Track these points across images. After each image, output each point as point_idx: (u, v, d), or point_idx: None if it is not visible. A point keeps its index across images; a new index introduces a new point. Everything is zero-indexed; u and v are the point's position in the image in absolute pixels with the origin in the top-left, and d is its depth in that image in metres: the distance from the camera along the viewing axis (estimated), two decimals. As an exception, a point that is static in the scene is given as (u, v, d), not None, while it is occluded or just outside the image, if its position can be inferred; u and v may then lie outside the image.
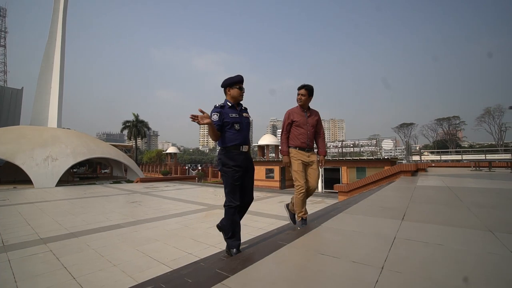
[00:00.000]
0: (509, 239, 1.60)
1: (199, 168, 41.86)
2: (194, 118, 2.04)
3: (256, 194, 13.03)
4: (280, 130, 3.01)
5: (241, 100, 2.40)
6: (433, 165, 13.84)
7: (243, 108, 2.44)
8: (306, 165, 2.85)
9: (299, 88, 2.90)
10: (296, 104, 2.97)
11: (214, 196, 10.51)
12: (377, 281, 1.04)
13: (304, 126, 2.87)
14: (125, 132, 40.76)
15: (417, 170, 8.83)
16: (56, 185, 15.47)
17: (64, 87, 24.64)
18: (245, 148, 2.33)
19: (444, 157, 20.39)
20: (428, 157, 22.21)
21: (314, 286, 1.02)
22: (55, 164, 16.37)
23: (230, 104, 2.34)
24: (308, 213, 3.06)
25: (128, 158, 23.57)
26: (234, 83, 2.34)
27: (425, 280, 1.06)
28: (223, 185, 2.35)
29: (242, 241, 2.33)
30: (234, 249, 2.19)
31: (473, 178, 7.11)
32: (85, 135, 22.76)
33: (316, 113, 3.03)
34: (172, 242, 4.15)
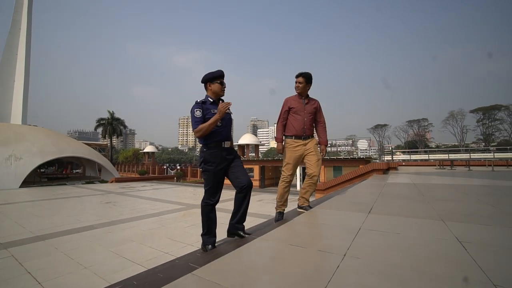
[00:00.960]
0: (455, 226, 1.79)
1: (178, 167, 40.92)
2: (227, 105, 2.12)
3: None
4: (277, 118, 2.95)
5: (223, 95, 2.37)
6: (403, 164, 14.71)
7: None
8: (303, 154, 2.79)
9: (297, 76, 2.86)
10: (294, 93, 2.90)
11: (193, 195, 10.38)
12: (338, 266, 1.13)
13: (301, 113, 2.82)
14: (100, 130, 38.81)
15: (388, 168, 9.35)
16: (21, 186, 14.37)
17: (31, 81, 22.91)
18: (227, 144, 2.31)
19: (413, 157, 21.78)
20: (400, 156, 23.54)
21: (280, 272, 1.09)
22: (19, 163, 15.20)
23: (211, 100, 2.30)
24: (286, 211, 3.11)
25: (103, 157, 22.48)
26: (214, 78, 2.30)
27: (379, 263, 1.17)
28: (203, 184, 2.36)
29: (219, 238, 2.35)
30: (210, 246, 2.19)
31: (436, 175, 7.68)
32: (54, 133, 21.34)
33: (315, 101, 2.96)
34: (148, 242, 4.07)
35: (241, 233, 2.16)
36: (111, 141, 38.78)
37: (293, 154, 2.77)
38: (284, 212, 2.80)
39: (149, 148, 43.88)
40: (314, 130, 2.97)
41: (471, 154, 19.76)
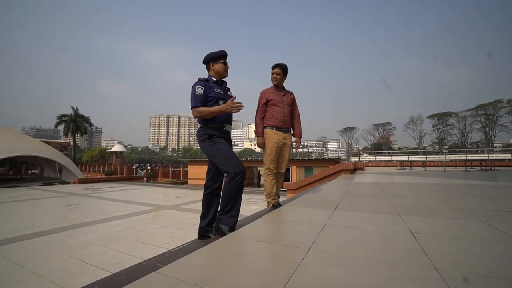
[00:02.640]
0: (409, 219, 1.98)
1: (148, 168, 39.24)
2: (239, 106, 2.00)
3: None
4: (255, 112, 2.87)
5: (226, 76, 2.27)
6: (369, 164, 15.68)
7: (227, 86, 2.31)
8: (282, 146, 2.76)
9: (273, 67, 2.81)
10: (271, 85, 2.87)
11: (164, 196, 10.04)
12: (303, 259, 1.19)
13: (280, 105, 2.77)
14: (61, 127, 35.84)
15: (355, 169, 9.89)
16: (-37, 189, 12.76)
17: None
18: (228, 128, 2.20)
19: (378, 158, 23.34)
20: (366, 157, 25.02)
21: (245, 267, 1.12)
22: (-38, 163, 13.48)
23: (214, 79, 2.20)
24: (256, 212, 3.13)
25: (64, 157, 20.77)
26: (218, 58, 2.20)
27: (341, 255, 1.26)
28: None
29: (189, 240, 2.19)
30: (227, 227, 1.86)
31: (397, 175, 8.30)
32: (5, 129, 19.23)
33: (291, 93, 2.94)
34: (114, 245, 3.86)
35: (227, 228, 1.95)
36: (74, 139, 36.00)
37: (274, 145, 2.71)
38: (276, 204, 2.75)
39: (117, 147, 41.48)
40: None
41: (427, 156, 21.72)
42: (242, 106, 2.05)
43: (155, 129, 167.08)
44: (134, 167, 40.55)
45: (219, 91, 2.16)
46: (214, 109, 2.02)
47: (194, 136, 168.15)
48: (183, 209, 7.09)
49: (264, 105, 2.79)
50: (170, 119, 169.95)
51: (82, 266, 3.03)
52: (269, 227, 1.73)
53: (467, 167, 11.58)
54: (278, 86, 2.85)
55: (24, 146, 17.43)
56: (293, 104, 2.92)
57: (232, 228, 1.88)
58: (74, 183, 15.42)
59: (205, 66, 2.27)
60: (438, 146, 56.95)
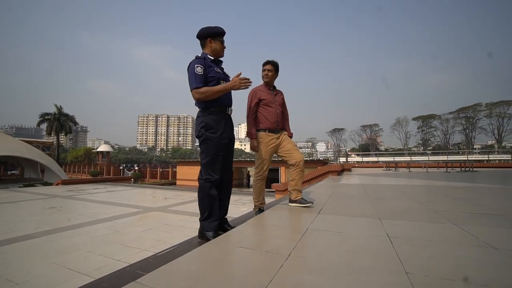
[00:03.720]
0: (388, 223, 2.05)
1: (136, 168, 38.47)
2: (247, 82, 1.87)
3: (196, 194, 12.67)
4: (246, 112, 2.72)
5: (223, 56, 2.08)
6: (356, 165, 16.02)
7: (222, 66, 2.12)
8: (277, 147, 2.68)
9: (265, 64, 2.69)
10: (261, 82, 2.75)
11: (152, 198, 9.87)
12: (281, 265, 1.22)
13: (272, 105, 2.66)
14: (44, 126, 34.58)
15: (342, 170, 10.09)
16: None
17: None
18: (230, 111, 2.06)
19: (365, 159, 23.90)
20: (354, 158, 25.55)
21: (225, 274, 1.14)
22: None
23: (211, 58, 2.01)
24: (244, 213, 3.15)
25: (47, 157, 20.08)
26: (217, 34, 2.01)
27: (320, 261, 1.30)
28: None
29: (176, 243, 2.17)
30: (211, 232, 1.85)
31: (383, 176, 8.53)
32: (-17, 128, 18.40)
33: (281, 92, 2.85)
34: (98, 249, 3.78)
35: (211, 234, 1.90)
36: (58, 139, 34.83)
37: (268, 149, 2.62)
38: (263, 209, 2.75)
39: (103, 147, 40.49)
40: None
41: (412, 157, 22.44)
42: (250, 82, 1.92)
43: (143, 128, 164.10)
44: (121, 167, 39.66)
45: (218, 70, 2.00)
46: (220, 87, 1.86)
47: (183, 136, 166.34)
48: (170, 211, 7.01)
49: (256, 105, 2.65)
50: (159, 118, 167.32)
51: (64, 272, 2.95)
52: (252, 233, 1.76)
53: (448, 168, 12.04)
54: (269, 84, 2.74)
55: (2, 145, 16.72)
56: (283, 104, 2.83)
57: (216, 233, 1.85)
58: (57, 184, 14.91)
59: (199, 41, 2.07)
60: (422, 147, 58.91)
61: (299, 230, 1.84)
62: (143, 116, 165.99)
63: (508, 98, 48.45)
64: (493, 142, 54.84)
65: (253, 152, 2.73)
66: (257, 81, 2.77)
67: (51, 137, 36.76)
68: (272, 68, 2.67)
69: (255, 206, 2.73)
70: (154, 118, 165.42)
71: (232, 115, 2.14)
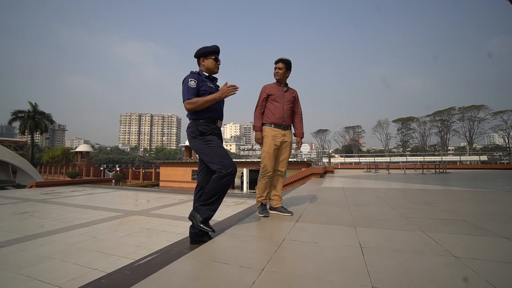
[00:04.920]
0: (362, 232, 2.13)
1: (117, 169, 37.22)
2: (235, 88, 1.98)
3: (180, 196, 12.34)
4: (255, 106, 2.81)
5: (217, 72, 2.24)
6: (339, 167, 16.42)
7: (217, 84, 2.27)
8: (281, 143, 2.73)
9: (276, 62, 2.78)
10: (273, 80, 2.84)
11: (134, 200, 9.60)
12: (254, 282, 1.24)
13: (280, 101, 2.73)
14: (16, 124, 32.65)
15: (325, 172, 10.31)
16: None
17: None
18: (220, 124, 2.18)
19: (348, 160, 24.60)
20: (337, 159, 26.19)
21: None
22: None
23: (206, 74, 2.17)
24: (228, 216, 3.13)
25: (19, 157, 18.97)
26: (208, 53, 2.16)
27: (291, 275, 1.33)
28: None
29: (156, 248, 2.10)
30: (200, 217, 1.92)
31: (363, 179, 8.80)
32: None
33: (293, 90, 2.91)
34: (73, 258, 3.63)
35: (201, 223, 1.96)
36: (32, 138, 33.01)
37: (272, 142, 2.68)
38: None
39: (82, 147, 38.86)
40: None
41: (391, 158, 23.38)
42: (237, 88, 2.02)
43: (125, 128, 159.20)
44: (101, 168, 38.21)
45: (211, 85, 2.14)
46: (208, 97, 1.98)
47: (167, 136, 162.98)
48: (152, 215, 6.86)
49: (265, 100, 2.75)
50: (142, 117, 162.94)
51: (33, 285, 2.81)
52: (228, 245, 1.76)
53: (424, 170, 12.65)
54: (281, 81, 2.81)
55: (-30, 145, 15.63)
56: (295, 102, 2.87)
57: (205, 220, 1.92)
58: (30, 187, 14.14)
59: (196, 60, 2.23)
60: (402, 149, 61.42)
61: (276, 241, 1.87)
62: (126, 115, 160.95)
63: (479, 103, 51.96)
64: (465, 144, 58.30)
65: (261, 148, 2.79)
66: (261, 82, 2.90)
67: (25, 136, 34.78)
68: (283, 66, 2.75)
69: (257, 201, 2.79)
70: (137, 117, 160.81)
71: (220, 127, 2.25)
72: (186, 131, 2.12)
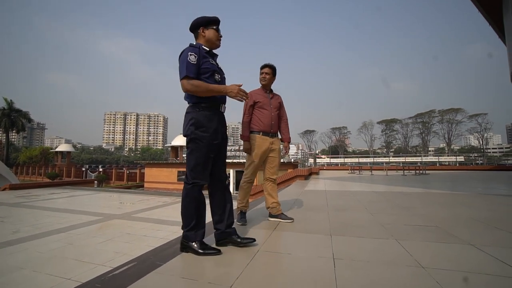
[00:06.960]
0: (337, 240, 2.15)
1: (100, 169, 36.06)
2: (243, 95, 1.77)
3: (164, 199, 12.14)
4: (242, 114, 2.76)
5: (219, 46, 1.93)
6: (325, 168, 16.66)
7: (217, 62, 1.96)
8: (269, 151, 2.71)
9: (262, 67, 2.74)
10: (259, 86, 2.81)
11: (118, 203, 9.32)
12: (221, 300, 1.22)
13: (267, 108, 2.71)
14: (-10, 122, 30.99)
15: (310, 174, 10.41)
16: None
17: None
18: (223, 108, 1.90)
19: (334, 160, 25.09)
20: (324, 160, 26.63)
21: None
22: None
23: (206, 49, 1.85)
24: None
25: (-8, 158, 17.95)
26: (210, 23, 1.85)
27: (260, 292, 1.32)
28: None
29: (136, 255, 1.96)
30: (198, 243, 1.75)
31: (346, 181, 8.97)
32: None
33: (278, 96, 2.90)
34: (46, 267, 3.47)
35: (196, 245, 1.78)
36: (7, 137, 31.48)
37: (259, 151, 2.64)
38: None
39: (63, 147, 37.36)
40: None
41: (375, 159, 24.06)
42: (247, 98, 1.84)
43: (110, 127, 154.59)
44: (83, 169, 36.88)
45: (213, 62, 1.86)
46: (214, 87, 1.72)
47: (154, 136, 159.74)
48: (134, 218, 6.69)
49: (251, 107, 2.70)
50: (127, 116, 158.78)
51: (-1, 299, 2.66)
52: (201, 258, 1.72)
53: (405, 171, 13.08)
54: (267, 87, 2.80)
55: None
56: (280, 107, 2.87)
57: (202, 243, 1.77)
58: (4, 189, 13.41)
59: (193, 34, 1.93)
60: (386, 149, 63.36)
61: (250, 252, 1.85)
62: (110, 114, 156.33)
63: (457, 106, 54.82)
64: (444, 145, 61.02)
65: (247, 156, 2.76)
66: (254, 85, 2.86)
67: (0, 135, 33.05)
68: (270, 71, 2.73)
69: (237, 208, 2.72)
70: (122, 116, 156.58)
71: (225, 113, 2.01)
72: (185, 116, 1.81)
